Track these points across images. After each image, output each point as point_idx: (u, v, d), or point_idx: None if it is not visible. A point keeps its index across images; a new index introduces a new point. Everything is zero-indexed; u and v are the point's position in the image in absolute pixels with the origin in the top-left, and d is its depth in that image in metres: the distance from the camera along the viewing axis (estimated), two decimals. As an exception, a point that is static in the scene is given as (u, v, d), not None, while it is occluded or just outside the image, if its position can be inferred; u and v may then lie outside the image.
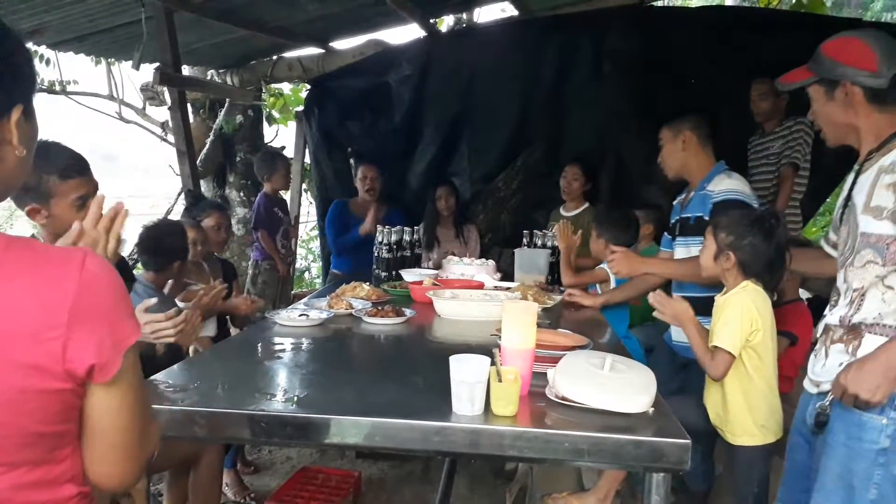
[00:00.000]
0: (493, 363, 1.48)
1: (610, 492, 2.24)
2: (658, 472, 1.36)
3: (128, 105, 5.42)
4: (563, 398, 1.46)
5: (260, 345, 2.05)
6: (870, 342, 1.55)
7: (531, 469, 2.72)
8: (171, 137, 5.56)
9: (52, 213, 1.68)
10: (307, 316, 2.33)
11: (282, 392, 1.54)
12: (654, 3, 4.87)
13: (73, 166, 1.74)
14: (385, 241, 3.33)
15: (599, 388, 1.43)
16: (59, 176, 1.69)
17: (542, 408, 1.46)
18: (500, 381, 1.41)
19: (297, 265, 6.47)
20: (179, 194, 4.24)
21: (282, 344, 2.04)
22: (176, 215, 3.80)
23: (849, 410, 1.54)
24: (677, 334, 2.49)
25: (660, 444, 1.33)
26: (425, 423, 1.35)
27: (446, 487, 2.98)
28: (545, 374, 1.57)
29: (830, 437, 1.59)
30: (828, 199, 5.61)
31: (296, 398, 1.50)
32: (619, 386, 1.45)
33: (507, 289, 2.80)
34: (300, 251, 6.56)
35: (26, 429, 0.79)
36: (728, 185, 2.45)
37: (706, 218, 2.41)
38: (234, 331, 3.31)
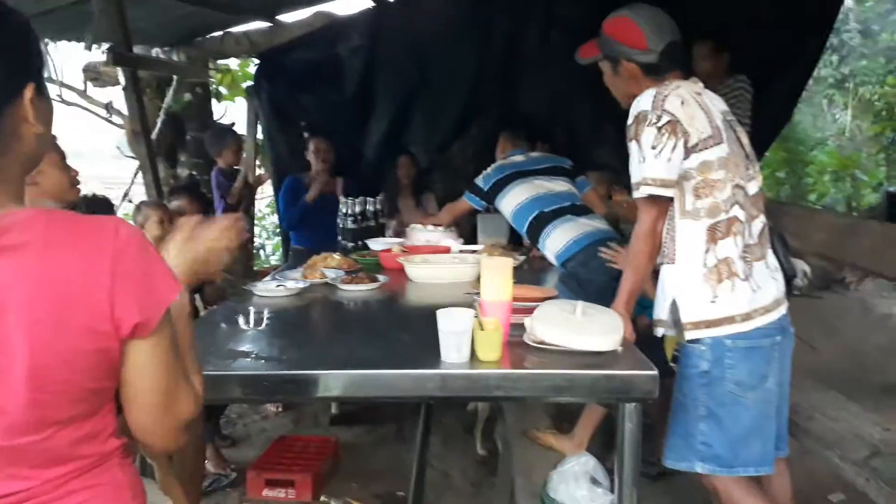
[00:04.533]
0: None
1: (584, 439, 2.40)
2: (630, 402, 1.52)
3: (68, 87, 5.28)
4: (541, 342, 1.59)
5: (243, 314, 2.11)
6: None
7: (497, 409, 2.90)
8: (116, 119, 5.47)
9: (42, 170, 1.86)
10: (284, 286, 2.41)
11: (278, 353, 1.63)
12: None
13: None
14: (349, 213, 3.40)
15: (574, 330, 1.57)
16: None
17: (521, 353, 1.59)
18: (482, 330, 1.54)
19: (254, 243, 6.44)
20: (136, 174, 4.21)
21: (264, 313, 2.11)
22: (138, 197, 3.78)
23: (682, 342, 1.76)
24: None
25: (630, 376, 1.48)
26: (421, 372, 1.46)
27: (423, 445, 3.12)
28: (521, 324, 1.70)
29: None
30: (766, 154, 5.92)
31: (292, 358, 1.59)
32: (591, 327, 1.59)
33: (474, 251, 2.92)
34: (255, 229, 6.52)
35: (80, 385, 0.86)
36: None
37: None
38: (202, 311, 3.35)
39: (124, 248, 0.86)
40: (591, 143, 4.37)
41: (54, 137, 2.03)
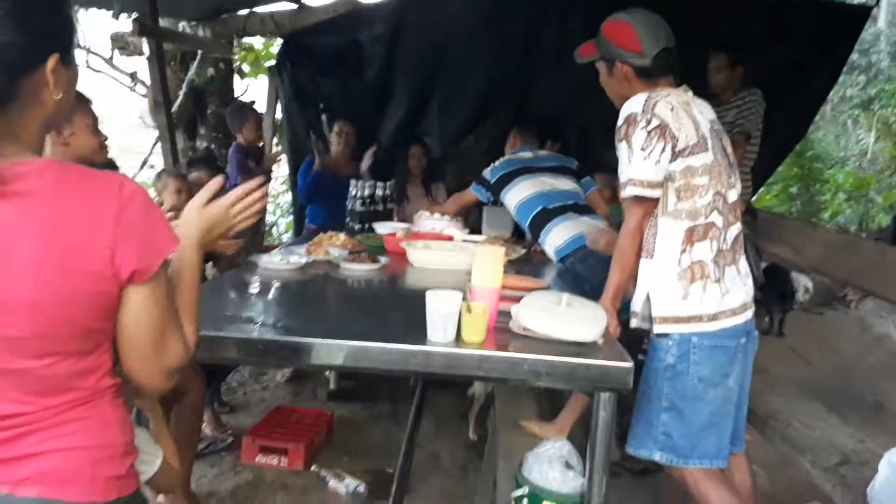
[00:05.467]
0: (463, 300, 1.67)
1: (567, 425, 2.47)
2: (605, 391, 1.58)
3: (95, 54, 5.38)
4: (525, 329, 1.66)
5: (247, 284, 2.21)
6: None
7: (492, 393, 2.98)
8: (140, 88, 5.57)
9: (74, 132, 2.05)
10: (287, 261, 2.49)
11: (274, 320, 1.72)
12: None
13: (85, 97, 2.08)
14: (358, 195, 3.48)
15: (557, 320, 1.64)
16: (79, 101, 1.96)
17: (506, 338, 1.65)
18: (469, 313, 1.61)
19: (266, 219, 6.55)
20: (155, 144, 4.31)
21: (266, 284, 2.21)
22: (159, 166, 3.88)
23: (652, 336, 1.82)
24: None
25: (607, 366, 1.54)
26: (406, 347, 1.53)
27: (413, 426, 3.21)
28: (509, 312, 1.77)
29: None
30: (779, 168, 5.93)
31: (287, 326, 1.67)
32: (574, 318, 1.66)
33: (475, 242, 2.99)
34: (268, 206, 6.62)
35: (80, 323, 0.95)
36: None
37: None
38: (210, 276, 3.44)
39: (129, 201, 0.95)
40: (600, 145, 4.40)
41: (89, 101, 2.17)
